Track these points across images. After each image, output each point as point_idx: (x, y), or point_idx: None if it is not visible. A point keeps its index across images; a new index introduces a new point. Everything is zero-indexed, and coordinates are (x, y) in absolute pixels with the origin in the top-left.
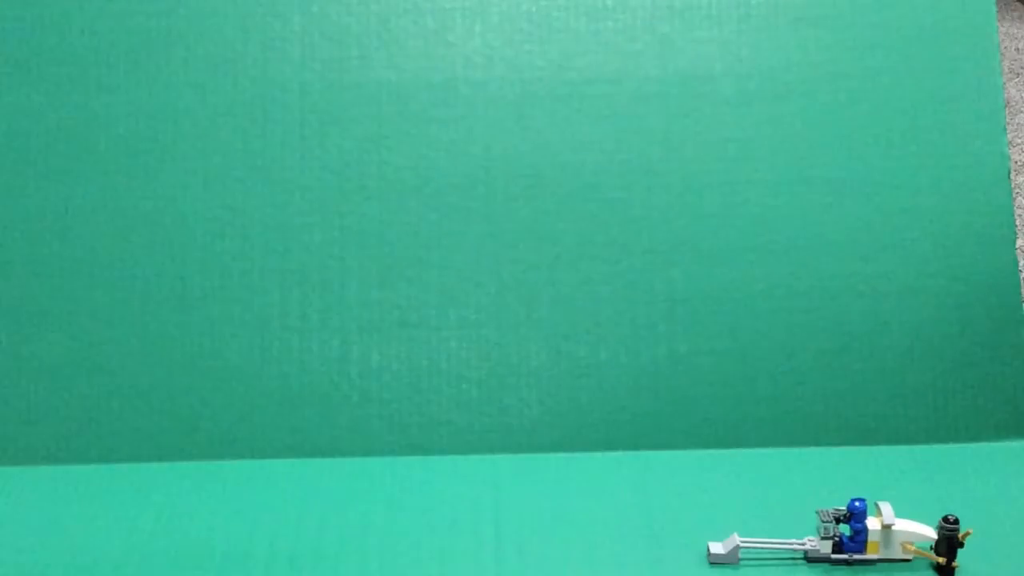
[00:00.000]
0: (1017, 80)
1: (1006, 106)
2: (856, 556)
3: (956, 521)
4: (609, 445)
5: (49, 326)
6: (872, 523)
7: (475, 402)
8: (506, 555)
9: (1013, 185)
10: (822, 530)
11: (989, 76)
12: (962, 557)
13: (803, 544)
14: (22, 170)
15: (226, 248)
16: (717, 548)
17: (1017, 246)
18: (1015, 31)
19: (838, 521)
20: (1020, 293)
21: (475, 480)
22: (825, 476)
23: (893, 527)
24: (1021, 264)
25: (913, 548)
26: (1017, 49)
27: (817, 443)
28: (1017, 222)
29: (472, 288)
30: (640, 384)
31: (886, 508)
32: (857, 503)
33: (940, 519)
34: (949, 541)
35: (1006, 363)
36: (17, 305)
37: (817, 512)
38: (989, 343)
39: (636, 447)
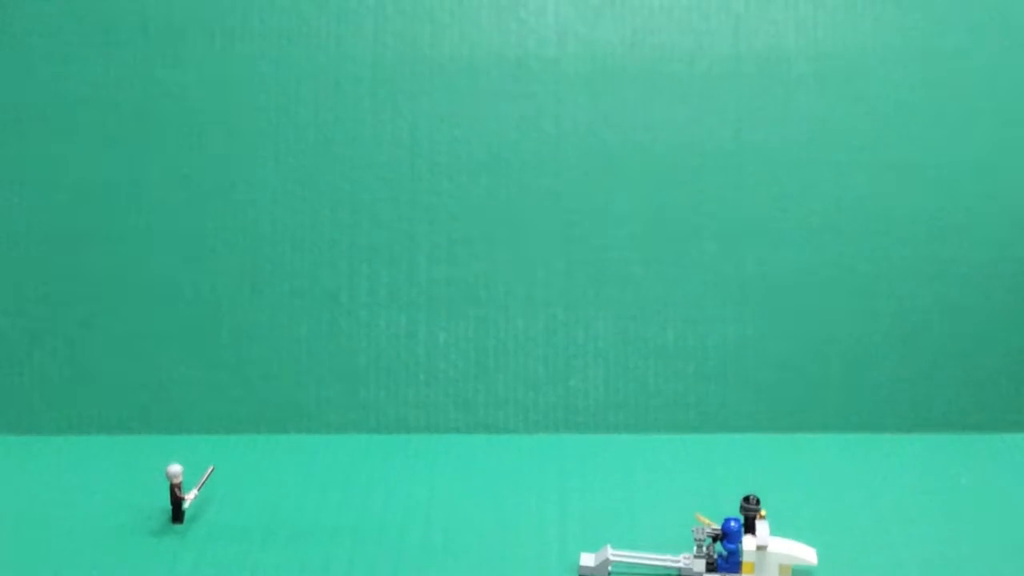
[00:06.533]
0: None
1: None
2: None
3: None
4: (675, 427)
5: (117, 297)
6: (748, 543)
7: (541, 381)
8: (570, 535)
9: None
10: (695, 548)
11: None
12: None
13: (677, 561)
14: (92, 142)
15: (296, 222)
16: (588, 561)
17: None
18: None
19: (714, 540)
20: None
21: (540, 459)
22: (894, 463)
23: (768, 548)
24: None
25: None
26: None
27: (886, 430)
28: None
29: (540, 266)
30: (707, 366)
31: (762, 528)
32: (732, 522)
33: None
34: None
35: None
36: (86, 277)
37: (692, 529)
38: None
39: (702, 430)
